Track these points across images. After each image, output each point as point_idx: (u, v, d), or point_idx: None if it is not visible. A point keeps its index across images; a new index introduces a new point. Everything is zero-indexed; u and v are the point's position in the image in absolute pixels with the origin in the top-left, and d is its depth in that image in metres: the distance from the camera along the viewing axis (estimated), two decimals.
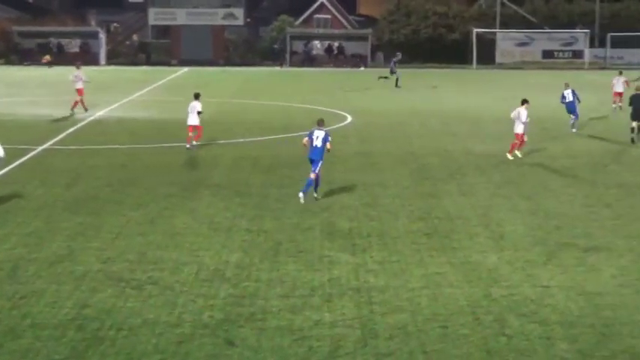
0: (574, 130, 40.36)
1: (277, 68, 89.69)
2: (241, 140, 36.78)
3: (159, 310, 16.52)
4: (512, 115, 33.50)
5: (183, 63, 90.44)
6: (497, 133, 39.98)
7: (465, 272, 19.05)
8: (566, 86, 42.12)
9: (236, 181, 28.97)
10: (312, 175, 25.83)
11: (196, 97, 35.45)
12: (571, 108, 40.54)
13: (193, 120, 35.09)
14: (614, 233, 22.41)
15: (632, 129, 37.75)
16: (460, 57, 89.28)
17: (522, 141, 33.42)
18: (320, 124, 26.41)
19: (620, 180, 29.40)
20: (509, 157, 33.16)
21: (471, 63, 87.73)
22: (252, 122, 42.98)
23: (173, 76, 77.39)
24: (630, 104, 38.22)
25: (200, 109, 35.06)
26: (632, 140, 37.49)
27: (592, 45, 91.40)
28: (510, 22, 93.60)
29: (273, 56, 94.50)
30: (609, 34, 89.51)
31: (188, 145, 35.11)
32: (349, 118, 45.31)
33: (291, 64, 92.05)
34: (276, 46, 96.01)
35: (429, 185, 28.55)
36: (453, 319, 16.19)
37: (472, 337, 15.33)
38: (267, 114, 48.08)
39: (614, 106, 49.56)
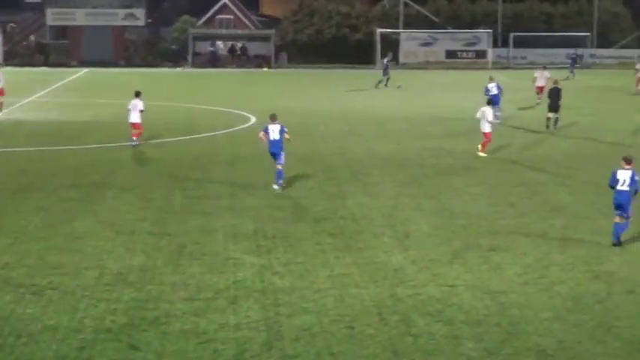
0: (498, 121, 40.88)
1: (179, 69, 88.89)
2: (144, 142, 36.25)
3: (60, 315, 16.13)
4: (478, 115, 34.15)
5: (83, 64, 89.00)
6: (401, 133, 40.18)
7: (371, 272, 19.00)
8: (490, 80, 44.53)
9: (139, 184, 28.54)
10: (279, 167, 27.08)
11: (137, 94, 35.60)
12: (495, 100, 41.30)
13: (135, 118, 35.26)
14: (518, 232, 22.60)
15: (549, 119, 40.59)
16: (364, 57, 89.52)
17: (488, 139, 34.01)
18: (273, 119, 27.24)
19: (524, 178, 29.69)
20: (481, 154, 33.68)
21: (375, 63, 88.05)
22: (155, 124, 42.46)
23: (73, 77, 76.09)
24: (549, 97, 41.08)
25: (142, 108, 35.30)
26: (547, 127, 40.49)
27: (495, 45, 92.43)
28: (414, 22, 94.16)
29: (172, 57, 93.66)
30: (512, 34, 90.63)
31: (135, 140, 35.37)
32: (253, 119, 45.05)
33: (194, 65, 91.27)
34: (174, 46, 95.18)
35: (333, 186, 28.49)
36: (359, 319, 16.13)
37: (378, 338, 15.28)
38: (171, 115, 47.52)
39: (538, 101, 50.85)
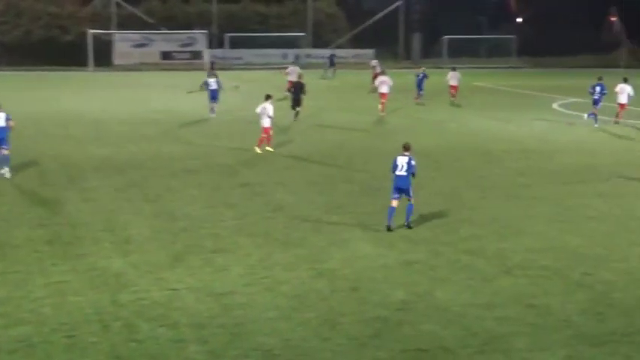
0: (212, 115, 42.52)
1: None
2: None
3: None
4: (259, 110, 34.90)
5: None
6: (118, 136, 39.40)
7: (91, 279, 18.43)
8: (211, 74, 47.94)
9: None
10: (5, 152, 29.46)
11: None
12: (213, 95, 45.20)
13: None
14: (240, 233, 22.56)
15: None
16: (76, 59, 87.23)
17: (269, 135, 34.84)
18: None
19: (244, 180, 29.67)
20: (258, 150, 34.55)
21: (87, 65, 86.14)
22: None
23: None
24: (292, 92, 45.74)
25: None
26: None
27: (211, 46, 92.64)
28: (128, 23, 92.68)
29: None
30: (227, 35, 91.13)
31: None
32: None
33: None
34: None
35: (49, 191, 27.47)
36: (80, 327, 15.61)
37: (100, 345, 14.85)
38: None
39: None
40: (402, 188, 22.74)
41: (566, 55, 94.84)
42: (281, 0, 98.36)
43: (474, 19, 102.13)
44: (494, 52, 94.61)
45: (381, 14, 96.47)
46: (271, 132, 35.09)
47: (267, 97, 35.24)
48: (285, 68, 58.62)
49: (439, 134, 40.58)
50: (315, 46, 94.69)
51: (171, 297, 17.36)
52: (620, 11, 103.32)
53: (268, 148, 34.95)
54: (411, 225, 22.98)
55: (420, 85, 55.66)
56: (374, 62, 70.73)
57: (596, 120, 44.87)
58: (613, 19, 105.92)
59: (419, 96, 55.23)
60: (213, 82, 46.45)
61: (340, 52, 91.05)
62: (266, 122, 34.78)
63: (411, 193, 22.88)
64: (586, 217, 24.48)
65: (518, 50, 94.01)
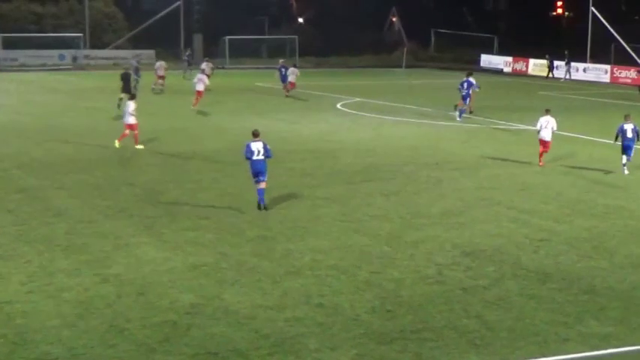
0: None
1: None
2: None
3: None
4: (126, 109, 36.42)
5: None
6: None
7: None
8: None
9: None
10: None
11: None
12: None
13: None
14: (19, 239, 21.70)
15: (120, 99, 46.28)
16: None
17: (134, 132, 35.87)
18: None
19: (23, 185, 28.57)
20: (138, 147, 35.54)
21: None
22: None
23: None
24: (122, 79, 48.67)
25: None
26: (118, 106, 45.79)
27: None
28: None
29: None
30: (1, 36, 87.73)
31: None
32: None
33: None
34: None
35: None
36: None
37: None
38: None
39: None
40: (260, 171, 24.72)
41: (350, 55, 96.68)
42: None
43: (255, 20, 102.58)
44: (276, 52, 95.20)
45: (160, 14, 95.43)
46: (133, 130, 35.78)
47: (131, 97, 37.57)
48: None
49: (220, 137, 40.07)
50: (93, 46, 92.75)
51: None
52: (400, 12, 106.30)
53: (117, 143, 35.83)
54: (267, 206, 24.99)
55: (284, 80, 59.41)
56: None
57: (460, 115, 47.16)
58: (394, 19, 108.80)
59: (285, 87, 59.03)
60: None
61: (120, 53, 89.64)
62: (130, 119, 35.88)
63: (265, 177, 24.86)
64: (371, 216, 24.82)
65: (300, 50, 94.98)
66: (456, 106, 47.82)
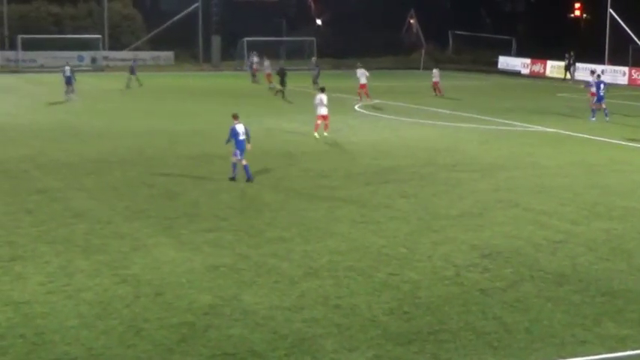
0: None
1: None
2: None
3: None
4: (317, 101, 39.85)
5: None
6: None
7: None
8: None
9: None
10: None
11: None
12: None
13: None
14: (39, 240, 21.77)
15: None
16: None
17: (325, 121, 39.36)
18: None
19: (42, 186, 28.70)
20: (316, 135, 38.78)
21: None
22: None
23: None
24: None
25: None
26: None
27: (2, 48, 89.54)
28: None
29: None
30: (20, 37, 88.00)
31: None
32: None
33: None
34: None
35: None
36: None
37: None
38: None
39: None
40: (243, 149, 28.85)
41: (368, 57, 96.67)
42: (75, 1, 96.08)
43: (273, 22, 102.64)
44: (294, 54, 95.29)
45: (179, 16, 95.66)
46: None
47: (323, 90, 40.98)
48: None
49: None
50: (113, 48, 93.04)
51: None
52: (418, 14, 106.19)
53: None
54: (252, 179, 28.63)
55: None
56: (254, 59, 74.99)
57: (604, 114, 47.80)
58: (412, 21, 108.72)
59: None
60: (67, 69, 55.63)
61: (139, 55, 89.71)
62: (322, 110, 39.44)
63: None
64: (389, 217, 24.81)
65: (318, 52, 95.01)
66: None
